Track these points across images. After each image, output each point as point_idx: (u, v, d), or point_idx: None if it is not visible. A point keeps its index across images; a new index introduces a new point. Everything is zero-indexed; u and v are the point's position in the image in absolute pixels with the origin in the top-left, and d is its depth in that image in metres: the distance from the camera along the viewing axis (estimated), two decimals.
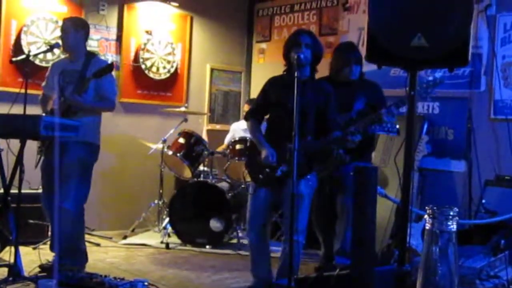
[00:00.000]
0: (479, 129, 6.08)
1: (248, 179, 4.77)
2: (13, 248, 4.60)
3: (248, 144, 6.62)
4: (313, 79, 4.62)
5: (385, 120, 4.64)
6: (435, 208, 1.49)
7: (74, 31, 5.14)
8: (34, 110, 5.11)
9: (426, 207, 1.50)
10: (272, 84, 4.73)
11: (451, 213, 1.48)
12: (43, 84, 5.37)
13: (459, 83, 6.24)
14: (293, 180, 3.89)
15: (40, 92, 5.37)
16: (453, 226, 1.48)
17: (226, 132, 7.82)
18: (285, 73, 4.64)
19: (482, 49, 6.13)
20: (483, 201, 5.63)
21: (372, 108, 5.05)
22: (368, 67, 5.13)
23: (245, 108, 7.50)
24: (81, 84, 4.94)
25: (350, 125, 4.72)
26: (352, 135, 4.38)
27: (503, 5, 6.04)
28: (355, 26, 7.36)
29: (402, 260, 2.97)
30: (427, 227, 1.50)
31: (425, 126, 6.34)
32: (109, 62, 4.89)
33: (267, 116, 4.85)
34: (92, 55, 5.29)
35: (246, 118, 4.97)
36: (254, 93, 8.31)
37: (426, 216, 1.50)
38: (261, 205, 4.64)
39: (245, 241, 6.77)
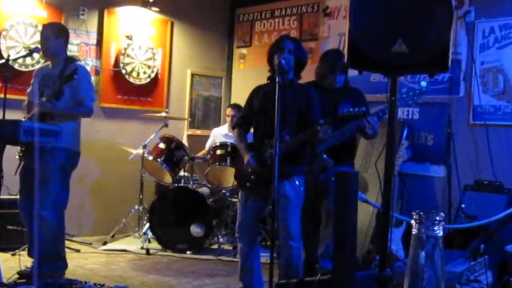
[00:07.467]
0: (458, 135, 6.13)
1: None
2: None
3: (228, 149, 6.64)
4: (295, 82, 4.60)
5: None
6: (421, 213, 1.49)
7: (54, 38, 5.10)
8: (14, 114, 5.07)
9: (413, 213, 1.50)
10: (255, 93, 4.75)
11: (438, 218, 1.48)
12: (28, 90, 5.31)
13: (439, 89, 6.29)
14: (274, 186, 3.91)
15: (20, 97, 5.32)
16: (439, 231, 1.48)
17: (206, 137, 7.81)
18: (268, 80, 4.63)
19: (461, 55, 6.18)
20: (463, 205, 5.67)
21: None
22: (349, 72, 5.16)
23: (228, 112, 7.48)
24: (55, 88, 4.89)
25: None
26: (321, 126, 4.32)
27: (482, 12, 6.09)
28: (335, 32, 7.39)
29: (383, 264, 2.98)
30: (413, 232, 1.50)
31: (405, 132, 6.38)
32: (75, 69, 4.79)
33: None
34: (71, 60, 5.24)
35: (233, 128, 4.96)
36: (235, 98, 8.32)
37: (412, 221, 1.50)
38: (251, 212, 4.62)
39: (226, 247, 6.79)
